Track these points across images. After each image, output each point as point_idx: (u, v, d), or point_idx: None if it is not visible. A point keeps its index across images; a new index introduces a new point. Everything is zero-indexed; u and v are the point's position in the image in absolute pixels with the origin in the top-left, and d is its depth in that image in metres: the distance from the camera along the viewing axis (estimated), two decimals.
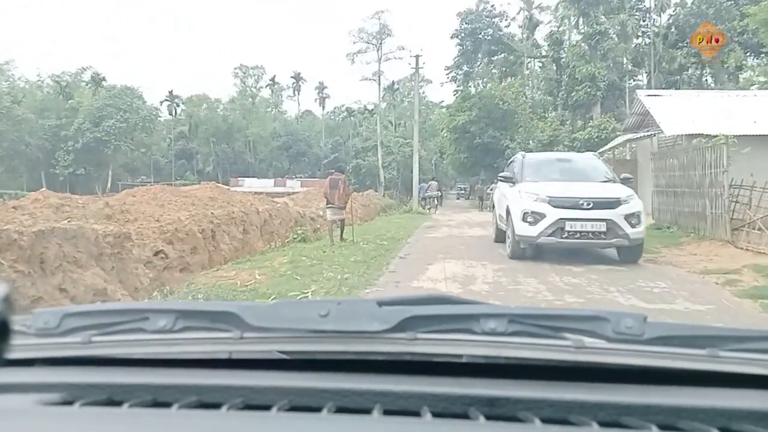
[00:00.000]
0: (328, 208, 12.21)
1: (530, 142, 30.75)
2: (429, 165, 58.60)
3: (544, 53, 39.70)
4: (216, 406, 0.75)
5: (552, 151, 30.72)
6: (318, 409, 0.74)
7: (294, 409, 0.75)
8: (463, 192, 59.16)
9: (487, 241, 12.59)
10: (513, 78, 35.54)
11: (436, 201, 30.36)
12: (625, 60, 33.98)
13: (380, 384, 0.79)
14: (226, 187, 21.16)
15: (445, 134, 40.52)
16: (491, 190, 27.70)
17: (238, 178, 58.43)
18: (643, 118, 17.31)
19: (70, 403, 0.77)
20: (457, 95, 38.65)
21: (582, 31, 32.77)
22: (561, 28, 37.74)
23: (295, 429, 0.71)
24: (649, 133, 15.15)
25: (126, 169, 60.99)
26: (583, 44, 32.82)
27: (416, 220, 20.49)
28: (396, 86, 60.56)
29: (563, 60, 35.77)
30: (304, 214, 18.49)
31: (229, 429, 0.72)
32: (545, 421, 0.72)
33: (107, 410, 0.76)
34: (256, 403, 0.76)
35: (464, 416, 0.73)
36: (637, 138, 15.18)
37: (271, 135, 63.42)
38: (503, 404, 0.76)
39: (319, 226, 21.52)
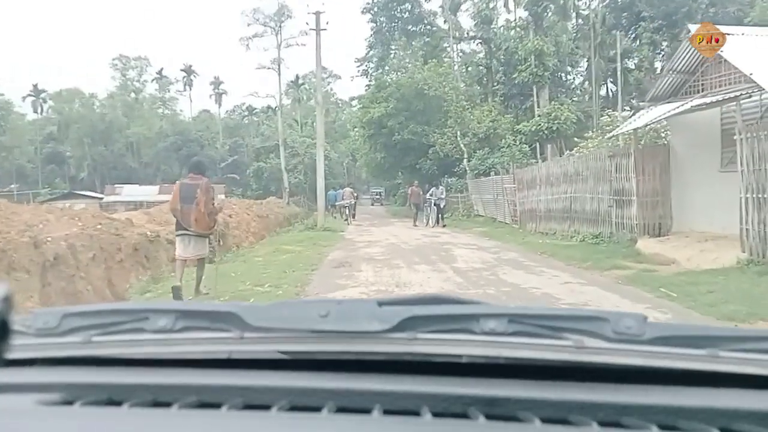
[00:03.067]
0: (179, 236, 7.69)
1: (463, 136, 23.92)
2: (340, 169, 51.29)
3: (470, 35, 33.28)
4: (216, 406, 0.76)
5: (489, 147, 23.79)
6: (318, 409, 0.75)
7: (294, 409, 0.76)
8: (378, 197, 52.77)
9: None
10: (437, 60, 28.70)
11: (348, 211, 26.17)
12: (565, 39, 28.05)
13: (380, 384, 0.80)
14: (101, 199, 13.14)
15: (358, 131, 33.23)
16: (431, 195, 19.71)
17: (116, 186, 49.33)
18: (686, 78, 10.62)
19: (70, 403, 0.78)
20: (370, 86, 31.51)
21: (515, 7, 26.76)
22: (491, 5, 31.49)
23: (295, 429, 0.72)
24: (718, 99, 8.55)
25: None
26: (524, 14, 26.63)
27: (320, 245, 14.66)
28: (301, 81, 52.84)
29: (494, 42, 29.39)
30: (158, 235, 12.33)
31: (229, 429, 0.73)
32: (545, 421, 0.73)
33: (107, 410, 0.77)
34: (256, 403, 0.77)
35: (464, 416, 0.75)
36: (682, 110, 8.67)
37: (158, 135, 53.80)
38: (503, 404, 0.76)
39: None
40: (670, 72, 10.92)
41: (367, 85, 39.72)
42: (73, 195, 49.38)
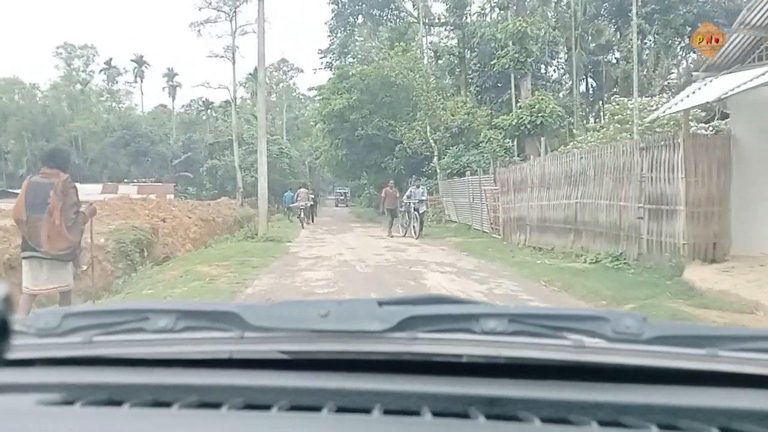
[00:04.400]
0: (25, 259, 5.80)
1: (434, 131, 20.64)
2: (302, 167, 47.58)
3: (442, 20, 30.06)
4: (216, 405, 0.77)
5: (464, 143, 20.49)
6: (318, 409, 0.76)
7: (294, 408, 0.77)
8: (343, 198, 49.31)
9: None
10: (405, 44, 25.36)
11: (303, 213, 22.89)
12: (546, 27, 25.09)
13: (380, 384, 0.80)
14: None
15: (319, 126, 29.71)
16: (408, 197, 15.83)
17: None
18: (764, 36, 7.34)
19: (70, 403, 0.79)
20: (333, 76, 28.20)
21: None
22: None
23: (296, 429, 0.73)
24: None
25: None
26: None
27: (248, 265, 10.75)
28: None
29: (467, 29, 26.23)
30: None
31: (230, 429, 0.73)
32: (545, 420, 0.73)
33: (108, 410, 0.78)
34: (256, 402, 0.78)
35: (464, 416, 0.75)
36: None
37: (105, 129, 49.15)
38: (503, 404, 0.77)
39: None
40: (742, 26, 7.54)
41: (330, 78, 36.29)
42: (7, 194, 44.86)
